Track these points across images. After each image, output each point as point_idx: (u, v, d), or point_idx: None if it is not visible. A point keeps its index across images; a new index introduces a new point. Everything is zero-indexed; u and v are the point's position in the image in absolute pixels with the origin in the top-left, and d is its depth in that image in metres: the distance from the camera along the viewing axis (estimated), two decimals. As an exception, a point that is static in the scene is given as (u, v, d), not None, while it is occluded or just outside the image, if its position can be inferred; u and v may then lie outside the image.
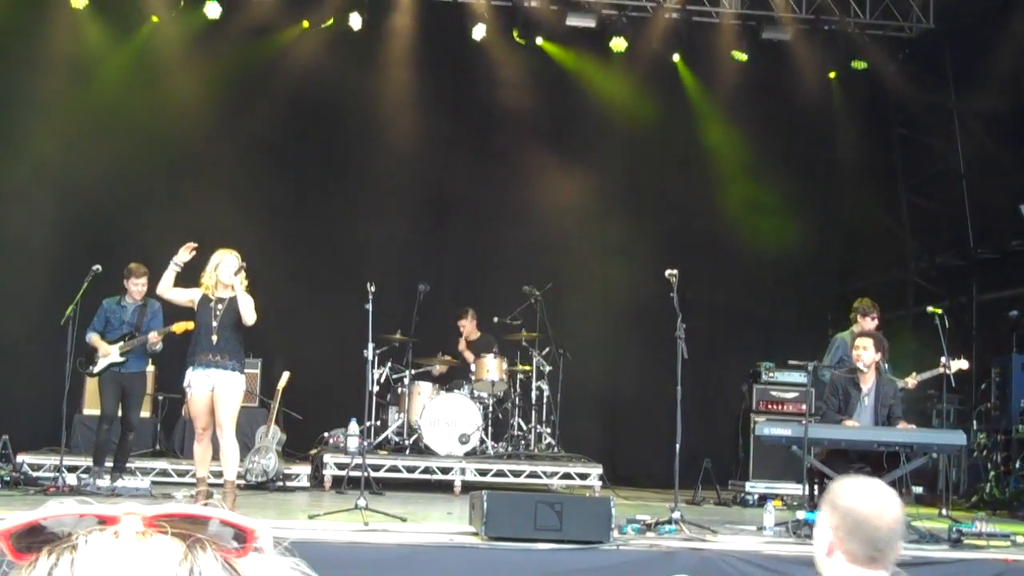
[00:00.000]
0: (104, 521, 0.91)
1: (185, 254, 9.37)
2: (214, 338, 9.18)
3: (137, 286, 10.89)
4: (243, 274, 9.26)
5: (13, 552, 0.91)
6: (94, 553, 0.89)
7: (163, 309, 10.89)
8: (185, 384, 9.32)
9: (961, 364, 11.19)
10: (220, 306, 9.24)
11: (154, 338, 10.74)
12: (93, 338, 10.90)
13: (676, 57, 15.21)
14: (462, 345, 13.82)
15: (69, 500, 0.94)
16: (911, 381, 11.15)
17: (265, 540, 0.96)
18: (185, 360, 9.39)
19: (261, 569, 0.94)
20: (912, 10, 15.02)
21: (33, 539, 0.91)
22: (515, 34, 14.85)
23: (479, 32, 14.57)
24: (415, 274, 13.37)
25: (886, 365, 10.83)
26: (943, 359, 11.00)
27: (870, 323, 11.23)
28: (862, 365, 9.97)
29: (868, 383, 10.09)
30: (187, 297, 9.42)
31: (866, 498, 3.27)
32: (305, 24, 14.63)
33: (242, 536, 0.95)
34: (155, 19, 14.26)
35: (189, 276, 9.50)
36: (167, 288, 9.42)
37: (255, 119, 14.39)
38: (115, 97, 14.09)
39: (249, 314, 9.20)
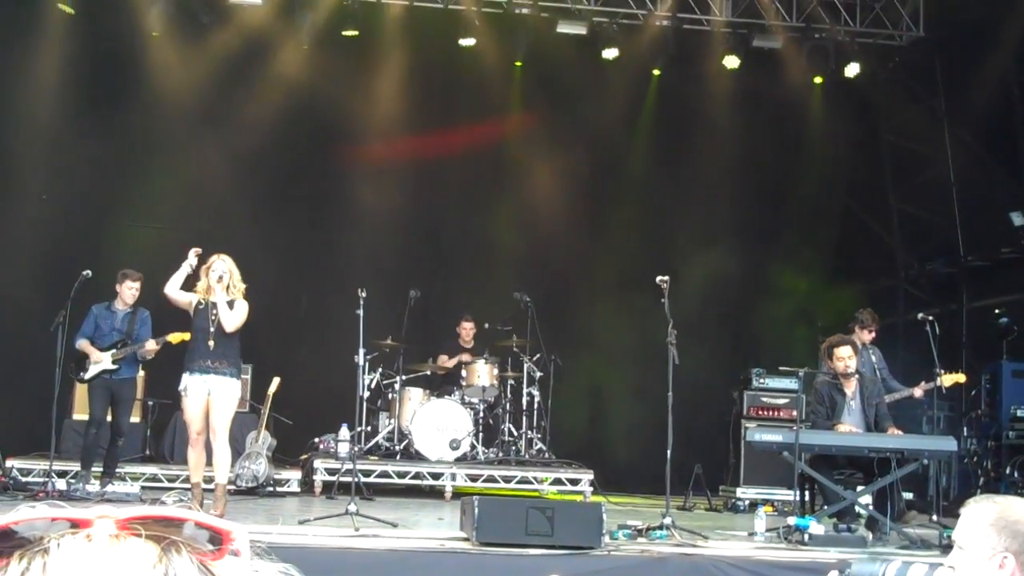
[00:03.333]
0: (76, 524, 0.90)
1: (193, 257, 9.33)
2: (211, 343, 9.14)
3: (132, 289, 10.88)
4: (235, 278, 9.25)
5: None
6: (66, 556, 0.87)
7: (152, 317, 10.91)
8: (181, 388, 9.30)
9: (957, 377, 11.30)
10: (215, 311, 9.22)
11: (150, 347, 10.72)
12: (83, 344, 10.87)
13: (666, 64, 15.21)
14: (463, 355, 13.72)
15: (40, 504, 0.93)
16: (918, 391, 11.28)
17: (241, 542, 0.95)
18: (180, 366, 9.38)
19: (238, 572, 0.94)
20: (902, 18, 15.01)
21: (4, 543, 0.89)
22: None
23: (468, 40, 14.56)
24: (406, 280, 13.37)
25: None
26: (937, 370, 11.11)
27: (867, 336, 11.43)
28: (850, 371, 10.04)
29: (852, 386, 10.17)
30: (187, 299, 9.35)
31: None
32: (305, 47, 14.57)
33: (218, 538, 0.94)
34: (155, 35, 14.22)
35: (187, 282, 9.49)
36: (175, 287, 9.30)
37: (245, 124, 14.37)
38: (103, 102, 14.04)
39: (228, 322, 9.17)
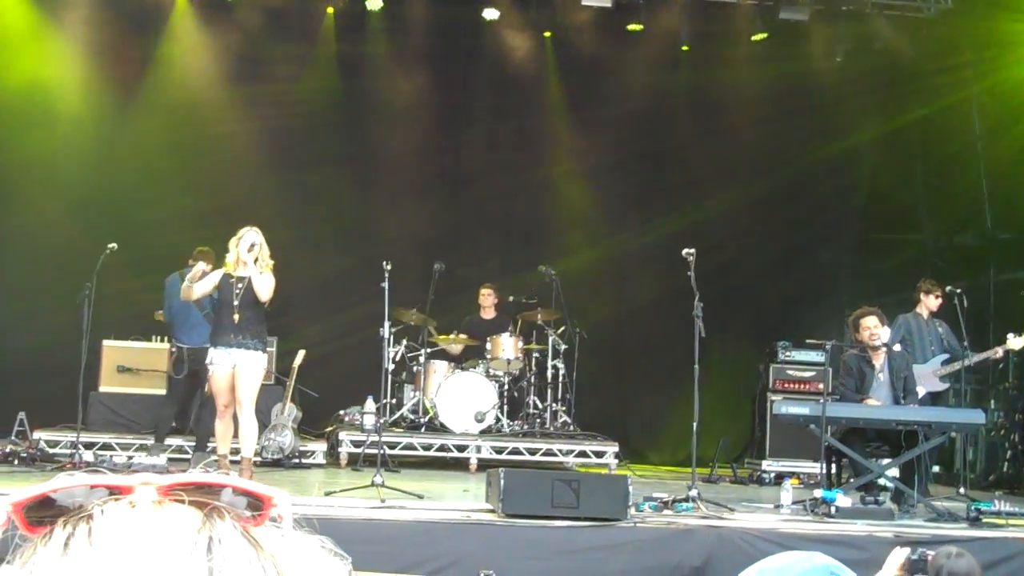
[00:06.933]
0: (117, 492, 0.90)
1: (204, 265, 9.55)
2: (236, 317, 9.19)
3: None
4: (264, 252, 9.26)
5: (26, 524, 0.90)
6: (111, 523, 0.87)
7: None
8: (208, 362, 9.39)
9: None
10: (240, 285, 9.25)
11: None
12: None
13: (692, 36, 15.14)
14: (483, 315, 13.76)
15: (79, 472, 0.92)
16: (1001, 351, 11.27)
17: (284, 508, 0.94)
18: (208, 339, 9.47)
19: (277, 538, 0.93)
20: (930, -11, 14.90)
21: (45, 511, 0.90)
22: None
23: (492, 12, 14.53)
24: (431, 253, 13.36)
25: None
26: (1009, 335, 11.08)
27: (934, 301, 11.39)
28: (879, 343, 9.99)
29: (880, 359, 10.12)
30: (212, 285, 9.48)
31: None
32: (330, 10, 14.61)
33: (257, 504, 0.93)
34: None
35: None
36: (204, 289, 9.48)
37: (271, 99, 14.39)
38: (132, 78, 14.08)
39: (264, 292, 9.21)
